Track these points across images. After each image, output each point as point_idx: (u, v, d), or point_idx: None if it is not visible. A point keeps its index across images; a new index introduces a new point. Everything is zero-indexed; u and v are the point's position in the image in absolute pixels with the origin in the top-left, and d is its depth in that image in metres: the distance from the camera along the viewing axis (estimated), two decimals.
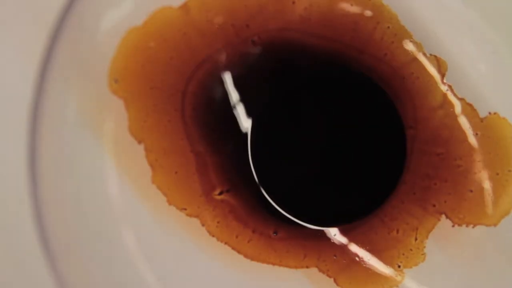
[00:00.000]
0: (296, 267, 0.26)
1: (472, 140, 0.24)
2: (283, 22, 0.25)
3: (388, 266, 0.25)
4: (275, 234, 0.26)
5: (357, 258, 0.26)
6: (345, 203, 0.28)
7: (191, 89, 0.26)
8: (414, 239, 0.25)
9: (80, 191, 0.23)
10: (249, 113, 0.27)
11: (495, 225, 0.24)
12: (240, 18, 0.25)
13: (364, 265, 0.25)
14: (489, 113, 0.24)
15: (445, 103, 0.25)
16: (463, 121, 0.25)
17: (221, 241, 0.25)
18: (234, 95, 0.27)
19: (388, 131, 0.27)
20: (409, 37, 0.25)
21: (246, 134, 0.28)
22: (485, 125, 0.24)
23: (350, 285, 0.25)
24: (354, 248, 0.26)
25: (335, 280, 0.25)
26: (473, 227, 0.24)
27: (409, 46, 0.25)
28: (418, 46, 0.25)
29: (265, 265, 0.25)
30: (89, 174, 0.24)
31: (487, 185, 0.24)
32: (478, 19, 0.24)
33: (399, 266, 0.25)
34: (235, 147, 0.27)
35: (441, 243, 0.25)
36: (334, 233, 0.26)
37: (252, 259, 0.25)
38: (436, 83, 0.25)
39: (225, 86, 0.26)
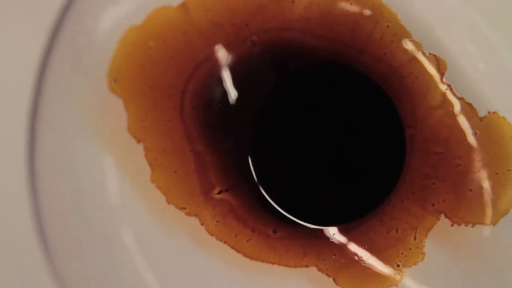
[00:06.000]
0: (295, 266, 0.26)
1: (471, 139, 0.24)
2: (282, 21, 0.25)
3: (388, 265, 0.25)
4: (274, 234, 0.26)
5: (356, 257, 0.26)
6: (344, 202, 0.28)
7: (190, 89, 0.26)
8: (413, 238, 0.25)
9: (79, 190, 0.23)
10: (248, 112, 0.27)
11: (494, 224, 0.24)
12: (239, 18, 0.25)
13: (364, 264, 0.25)
14: (489, 112, 0.24)
15: (445, 102, 0.25)
16: (462, 121, 0.25)
17: (221, 240, 0.25)
18: (233, 95, 0.27)
19: (388, 130, 0.27)
20: (409, 36, 0.25)
21: (245, 133, 0.28)
22: (485, 125, 0.24)
23: (349, 284, 0.25)
24: (353, 247, 0.26)
25: (334, 279, 0.25)
26: (472, 227, 0.24)
27: (408, 45, 0.25)
28: (418, 45, 0.25)
29: (264, 264, 0.25)
30: (88, 174, 0.24)
31: (486, 184, 0.24)
32: (477, 19, 0.24)
33: (398, 265, 0.25)
34: (235, 146, 0.27)
35: (440, 243, 0.25)
36: (333, 233, 0.26)
37: (252, 258, 0.25)
38: (435, 82, 0.25)
39: (224, 85, 0.26)
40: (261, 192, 0.27)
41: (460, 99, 0.25)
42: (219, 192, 0.26)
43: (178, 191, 0.25)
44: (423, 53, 0.25)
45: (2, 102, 0.26)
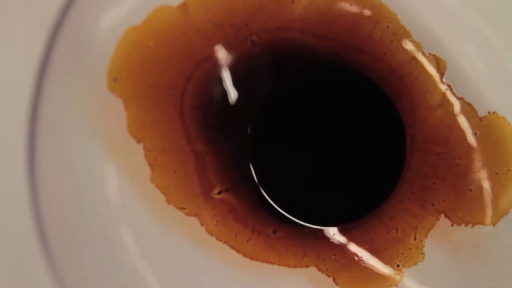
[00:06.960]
0: (295, 266, 0.26)
1: (471, 139, 0.24)
2: (282, 21, 0.25)
3: (387, 266, 0.25)
4: (274, 234, 0.26)
5: (356, 258, 0.26)
6: (344, 202, 0.28)
7: (190, 89, 0.26)
8: (413, 238, 0.25)
9: (79, 190, 0.23)
10: (248, 112, 0.27)
11: (494, 224, 0.24)
12: (239, 17, 0.25)
13: (363, 265, 0.25)
14: (488, 112, 0.24)
15: (444, 102, 0.25)
16: (462, 120, 0.25)
17: (220, 240, 0.25)
18: (233, 95, 0.27)
19: (388, 130, 0.27)
20: (409, 36, 0.25)
21: (245, 133, 0.28)
22: (484, 124, 0.24)
23: (349, 285, 0.25)
24: (353, 247, 0.26)
25: (334, 280, 0.25)
26: (472, 227, 0.24)
27: (408, 45, 0.25)
28: (417, 45, 0.25)
29: (264, 264, 0.25)
30: (88, 173, 0.24)
31: (486, 184, 0.24)
32: (477, 18, 0.24)
33: (398, 266, 0.25)
34: (234, 146, 0.27)
35: (440, 243, 0.25)
36: (333, 233, 0.26)
37: (251, 258, 0.25)
38: (435, 82, 0.25)
39: (224, 85, 0.26)
40: (261, 192, 0.27)
41: (460, 99, 0.25)
42: (219, 192, 0.26)
43: (178, 191, 0.25)
44: (423, 53, 0.25)
45: (2, 102, 0.26)
